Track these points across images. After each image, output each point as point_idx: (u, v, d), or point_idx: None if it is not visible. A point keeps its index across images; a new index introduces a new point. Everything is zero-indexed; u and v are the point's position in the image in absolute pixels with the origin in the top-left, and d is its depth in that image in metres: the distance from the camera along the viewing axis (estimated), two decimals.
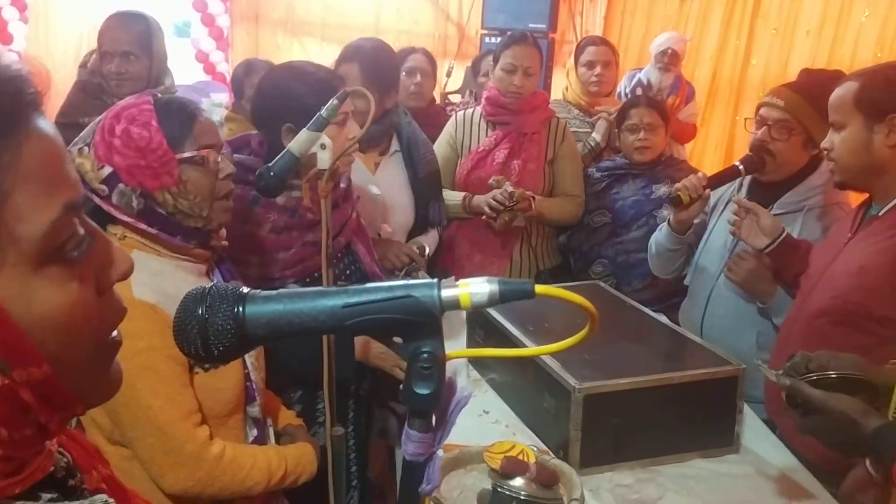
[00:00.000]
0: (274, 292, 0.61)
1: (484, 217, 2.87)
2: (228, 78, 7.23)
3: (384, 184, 2.55)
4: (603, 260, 3.00)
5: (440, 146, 3.04)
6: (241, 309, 0.59)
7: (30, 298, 0.52)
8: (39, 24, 6.57)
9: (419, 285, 0.60)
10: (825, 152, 1.93)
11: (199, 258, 1.54)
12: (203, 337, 0.59)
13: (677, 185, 2.40)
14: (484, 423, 2.00)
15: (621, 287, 2.84)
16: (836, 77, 2.23)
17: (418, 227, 2.71)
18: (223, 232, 1.57)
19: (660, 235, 2.54)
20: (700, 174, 2.42)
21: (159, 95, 1.53)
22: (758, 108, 2.32)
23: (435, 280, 0.62)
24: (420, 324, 0.60)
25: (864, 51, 4.76)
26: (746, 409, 1.98)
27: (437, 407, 0.63)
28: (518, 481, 1.67)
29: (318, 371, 1.52)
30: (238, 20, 7.36)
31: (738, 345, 2.15)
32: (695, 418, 1.87)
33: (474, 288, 0.60)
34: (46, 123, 0.56)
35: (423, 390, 0.61)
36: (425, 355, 0.60)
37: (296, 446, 1.65)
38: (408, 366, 0.61)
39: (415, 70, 3.27)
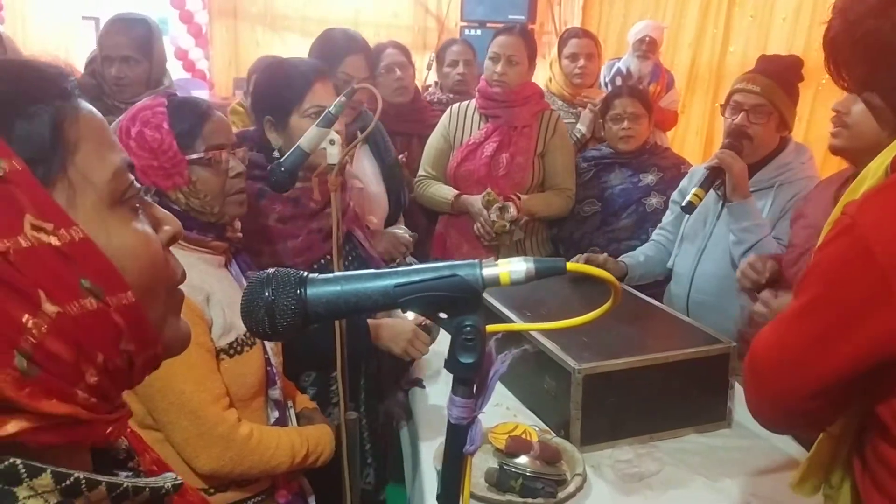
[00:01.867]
0: (331, 275, 0.67)
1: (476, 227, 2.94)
2: (209, 75, 7.25)
3: (361, 176, 2.61)
4: (594, 248, 3.07)
5: (435, 138, 3.10)
6: (303, 290, 0.65)
7: (109, 232, 0.60)
8: (17, 23, 6.54)
9: (463, 265, 0.67)
10: (835, 115, 1.92)
11: (217, 250, 1.61)
12: (270, 317, 0.65)
13: (688, 194, 2.38)
14: (487, 406, 2.06)
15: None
16: (797, 61, 2.37)
17: (393, 214, 2.79)
18: (237, 224, 1.64)
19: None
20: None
21: (178, 95, 1.59)
22: (730, 95, 2.41)
23: (477, 260, 0.68)
24: (464, 300, 0.67)
25: None
26: (737, 384, 2.06)
27: (479, 375, 0.69)
28: (523, 459, 1.75)
29: (330, 351, 1.58)
30: (216, 16, 7.34)
31: (723, 320, 2.25)
32: (689, 395, 1.95)
33: (513, 266, 0.67)
34: (88, 105, 0.64)
35: (466, 359, 0.68)
36: (468, 328, 0.67)
37: (315, 427, 1.72)
38: (452, 338, 0.68)
39: (392, 66, 3.22)
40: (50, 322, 0.55)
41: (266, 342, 1.60)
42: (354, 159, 2.64)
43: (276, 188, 1.60)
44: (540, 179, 3.06)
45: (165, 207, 1.46)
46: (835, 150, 1.99)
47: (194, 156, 1.51)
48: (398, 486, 2.55)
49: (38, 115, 0.58)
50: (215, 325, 1.53)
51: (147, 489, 0.63)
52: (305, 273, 0.67)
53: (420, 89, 5.63)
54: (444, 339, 2.33)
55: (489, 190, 2.91)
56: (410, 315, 2.07)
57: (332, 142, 1.54)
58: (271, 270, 0.67)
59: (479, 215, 2.91)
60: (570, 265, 0.67)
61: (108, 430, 0.62)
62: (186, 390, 1.43)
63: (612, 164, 3.10)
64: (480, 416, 0.73)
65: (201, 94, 6.51)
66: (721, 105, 2.47)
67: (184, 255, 1.52)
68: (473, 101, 3.10)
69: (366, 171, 2.66)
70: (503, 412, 2.03)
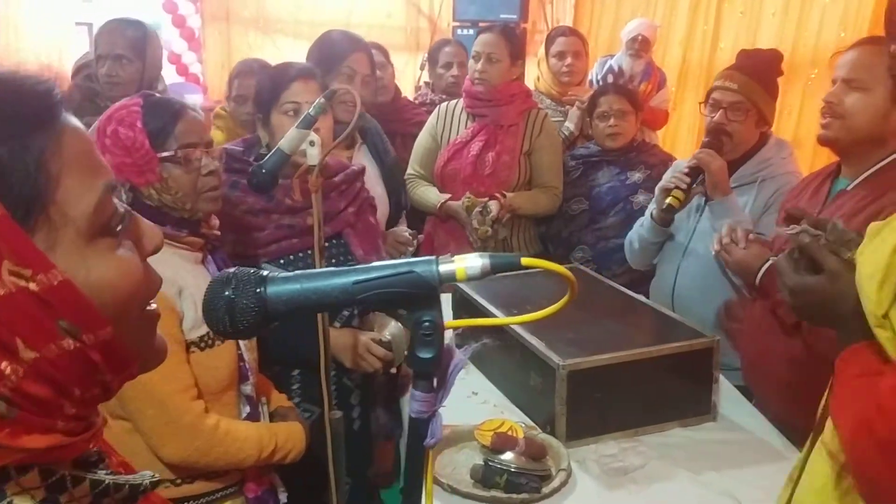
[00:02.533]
0: (291, 273, 0.69)
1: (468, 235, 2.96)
2: (202, 79, 7.27)
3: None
4: (583, 246, 3.08)
5: (423, 137, 3.12)
6: (263, 289, 0.67)
7: (88, 268, 0.60)
8: (9, 29, 6.55)
9: (419, 262, 0.68)
10: (826, 106, 1.90)
11: (192, 245, 1.64)
12: (230, 315, 0.66)
13: (668, 194, 2.39)
14: (473, 403, 2.08)
15: (601, 272, 2.91)
16: (776, 56, 2.37)
17: (394, 214, 2.81)
18: (215, 221, 1.66)
19: (642, 230, 2.60)
20: (679, 172, 2.42)
21: (157, 95, 1.62)
22: (709, 93, 2.42)
23: (433, 257, 0.70)
24: (421, 296, 0.68)
25: (829, 32, 4.88)
26: (722, 378, 2.08)
27: (438, 370, 0.71)
28: (508, 455, 1.76)
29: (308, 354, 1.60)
30: (209, 20, 7.35)
31: (707, 313, 2.27)
32: (674, 389, 1.96)
33: (468, 262, 0.68)
34: (74, 119, 0.64)
35: (425, 355, 0.69)
36: (427, 324, 0.69)
37: (286, 424, 1.75)
38: (411, 334, 0.69)
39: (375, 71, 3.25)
40: (27, 367, 0.55)
41: None
42: (353, 160, 2.66)
43: (258, 189, 1.62)
44: (526, 178, 3.08)
45: (139, 203, 1.52)
46: (824, 141, 1.94)
47: (166, 154, 1.55)
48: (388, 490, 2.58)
49: (21, 153, 0.57)
50: (186, 318, 1.56)
51: (127, 486, 0.65)
52: (266, 272, 0.68)
53: (415, 90, 5.68)
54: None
55: (468, 194, 2.93)
56: (393, 324, 2.07)
57: (311, 143, 1.56)
58: (232, 270, 0.68)
59: (467, 224, 2.94)
60: (525, 260, 0.69)
61: (91, 446, 0.64)
62: (153, 379, 1.45)
63: (599, 162, 3.12)
64: (441, 410, 0.74)
65: (195, 97, 6.53)
66: (701, 103, 2.48)
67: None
68: (461, 101, 3.12)
69: (366, 172, 2.68)
70: (491, 409, 2.05)
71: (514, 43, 3.07)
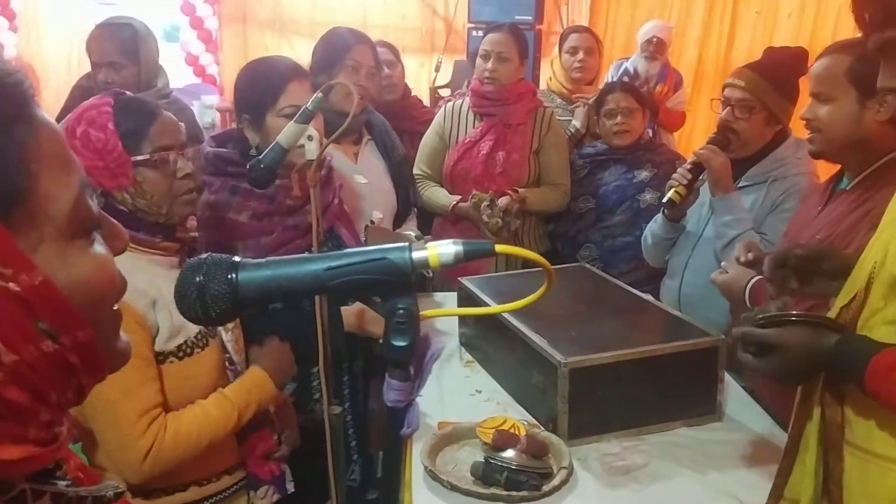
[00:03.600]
0: (263, 260, 0.68)
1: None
2: (219, 80, 7.32)
3: (367, 172, 2.63)
4: (590, 245, 3.07)
5: (430, 136, 3.12)
6: (234, 275, 0.66)
7: (68, 266, 0.58)
8: (30, 33, 6.63)
9: (393, 248, 0.68)
10: (806, 122, 1.94)
11: (168, 251, 1.59)
12: (202, 301, 0.66)
13: (669, 189, 2.40)
14: (476, 401, 2.07)
15: (608, 270, 2.89)
16: (797, 54, 2.33)
17: (402, 210, 2.81)
18: (192, 223, 1.63)
19: (655, 226, 2.59)
20: (681, 168, 2.44)
21: (127, 94, 1.57)
22: (722, 89, 2.41)
23: (406, 243, 0.69)
24: (395, 283, 0.68)
25: (845, 31, 4.82)
26: (728, 378, 2.05)
27: (414, 358, 0.70)
28: (509, 453, 1.75)
29: (307, 346, 1.58)
30: (226, 22, 7.41)
31: (713, 313, 2.24)
32: (678, 389, 1.94)
33: (441, 249, 0.68)
34: (44, 113, 0.61)
35: (400, 342, 0.69)
36: (401, 311, 0.68)
37: (238, 381, 1.66)
38: (385, 322, 0.69)
39: (380, 64, 3.25)
40: (7, 371, 0.54)
41: (226, 340, 1.61)
42: (361, 156, 2.67)
43: (256, 185, 1.62)
44: (535, 176, 3.07)
45: (111, 207, 1.48)
46: (814, 155, 2.00)
47: (140, 157, 1.49)
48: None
49: (1, 149, 0.55)
50: (162, 329, 1.51)
51: (90, 497, 0.63)
52: (237, 258, 0.68)
53: (430, 91, 5.68)
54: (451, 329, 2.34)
55: (474, 192, 2.92)
56: None
57: (310, 138, 1.55)
58: (204, 255, 0.68)
59: (478, 220, 2.93)
60: (499, 247, 0.68)
61: (56, 457, 0.62)
62: (111, 398, 1.41)
63: (606, 160, 3.10)
64: (418, 400, 0.74)
65: (211, 98, 6.59)
66: (713, 100, 2.46)
67: (132, 258, 1.48)
68: (467, 99, 3.12)
69: (373, 167, 2.69)
70: (493, 407, 2.03)
71: (522, 41, 3.07)
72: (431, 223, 3.15)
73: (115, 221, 0.68)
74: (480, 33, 5.81)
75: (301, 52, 6.78)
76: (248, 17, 7.36)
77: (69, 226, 0.59)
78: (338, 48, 2.52)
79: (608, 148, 3.11)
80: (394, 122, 2.96)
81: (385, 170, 2.74)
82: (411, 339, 0.69)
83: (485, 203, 2.86)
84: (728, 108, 2.35)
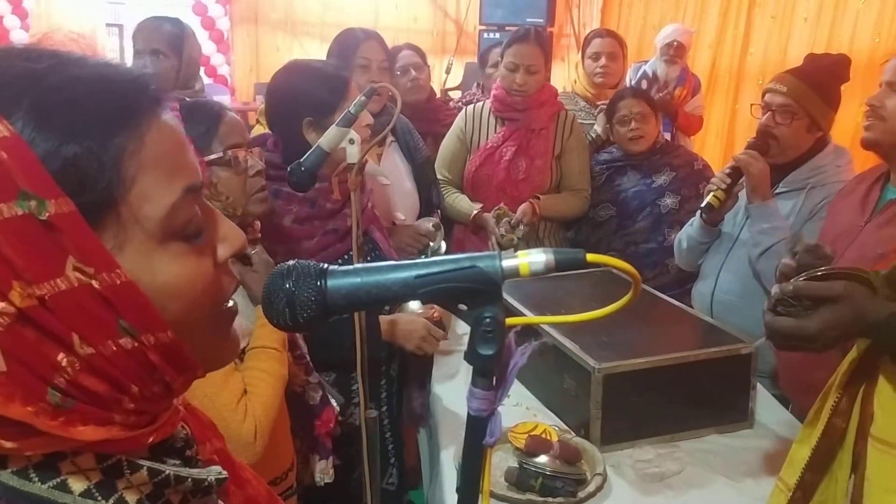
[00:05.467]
0: (351, 267, 0.67)
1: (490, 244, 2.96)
2: (230, 81, 7.32)
3: (390, 174, 2.63)
4: (612, 252, 3.05)
5: (450, 139, 3.10)
6: (323, 282, 0.65)
7: (154, 271, 0.58)
8: (42, 30, 6.62)
9: (482, 257, 0.67)
10: (870, 108, 1.88)
11: None
12: (290, 308, 0.65)
13: (708, 193, 2.37)
14: (506, 406, 2.03)
15: None
16: (840, 61, 2.29)
17: (424, 212, 2.81)
18: (257, 224, 1.64)
19: (691, 230, 2.56)
20: (721, 172, 2.39)
21: (186, 99, 1.59)
22: (763, 94, 2.38)
23: (496, 252, 0.69)
24: (483, 291, 0.67)
25: (862, 37, 4.82)
26: (759, 385, 2.05)
27: (498, 367, 0.70)
28: (543, 458, 1.75)
29: (346, 353, 1.58)
30: (237, 22, 7.43)
31: (746, 320, 2.21)
32: (710, 395, 1.93)
33: (532, 258, 0.67)
34: (169, 116, 0.62)
35: (486, 351, 0.68)
36: (488, 320, 0.67)
37: (257, 327, 1.61)
38: (472, 329, 0.68)
39: (407, 67, 3.23)
40: (83, 361, 0.55)
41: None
42: (384, 157, 2.67)
43: (297, 188, 1.61)
44: (557, 181, 3.06)
45: None
46: (867, 144, 1.91)
47: (213, 156, 1.51)
48: (416, 490, 2.56)
49: (98, 152, 0.55)
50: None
51: (189, 480, 0.64)
52: (326, 265, 0.67)
53: (441, 93, 5.68)
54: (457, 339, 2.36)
55: (502, 205, 2.91)
56: (414, 305, 2.07)
57: (351, 141, 1.55)
58: (292, 262, 0.67)
59: (493, 234, 2.93)
60: (591, 256, 0.67)
61: (150, 440, 0.62)
62: (210, 393, 1.43)
63: (623, 166, 3.08)
64: (500, 409, 0.73)
65: (223, 99, 6.59)
66: (753, 105, 2.44)
67: None
68: (488, 102, 3.10)
69: (396, 169, 2.69)
70: (523, 412, 2.03)
71: (547, 50, 3.06)
72: (452, 229, 3.15)
73: (232, 223, 0.67)
74: (492, 35, 5.87)
75: (312, 53, 6.81)
76: (259, 18, 7.38)
77: (162, 231, 0.59)
78: (349, 47, 2.55)
79: (624, 154, 3.08)
80: (418, 122, 2.96)
81: (407, 171, 2.74)
82: (498, 347, 0.68)
83: (506, 219, 2.87)
84: (769, 113, 2.31)
